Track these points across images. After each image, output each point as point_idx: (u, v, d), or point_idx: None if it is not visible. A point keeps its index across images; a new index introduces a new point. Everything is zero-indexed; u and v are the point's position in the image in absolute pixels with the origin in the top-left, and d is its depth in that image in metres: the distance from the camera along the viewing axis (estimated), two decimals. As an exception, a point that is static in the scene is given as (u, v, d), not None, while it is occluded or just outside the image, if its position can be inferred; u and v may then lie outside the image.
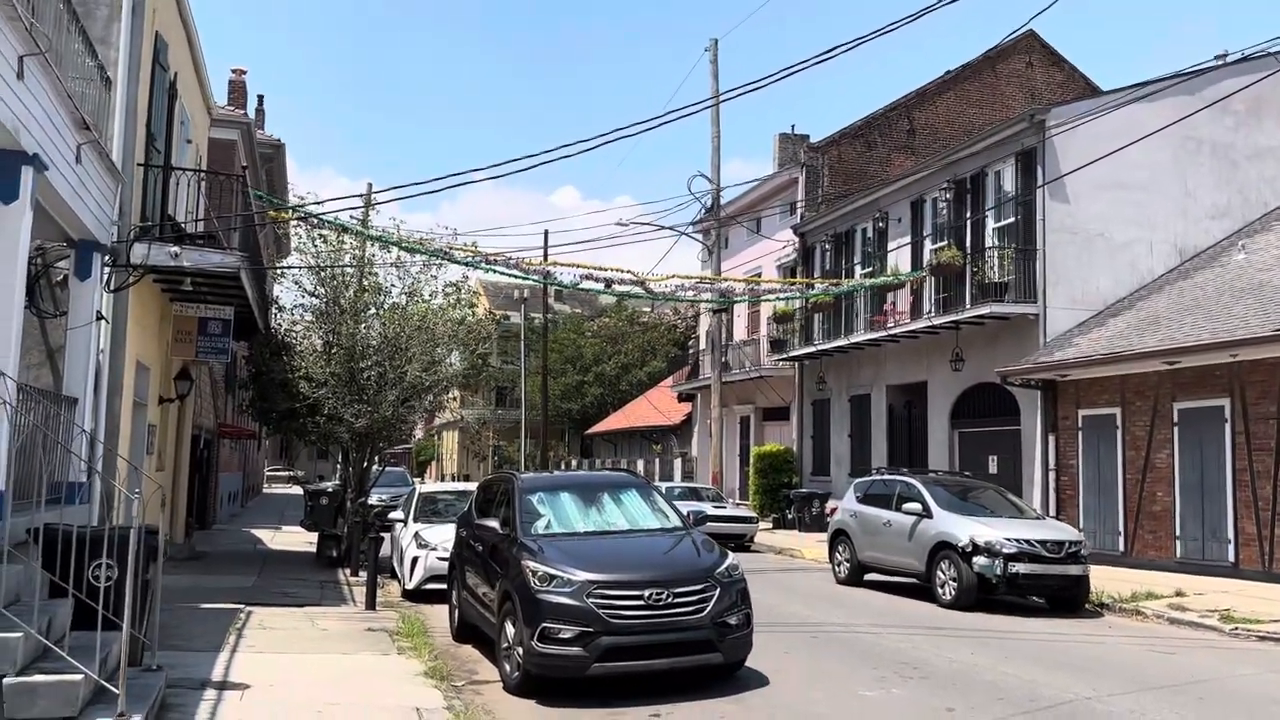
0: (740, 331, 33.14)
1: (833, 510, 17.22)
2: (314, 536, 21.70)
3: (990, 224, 21.46)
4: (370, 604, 11.99)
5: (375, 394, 16.49)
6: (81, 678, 5.26)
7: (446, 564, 13.15)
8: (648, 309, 63.68)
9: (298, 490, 43.52)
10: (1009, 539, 12.91)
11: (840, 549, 16.00)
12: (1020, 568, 12.78)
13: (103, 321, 10.59)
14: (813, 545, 21.25)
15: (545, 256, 40.06)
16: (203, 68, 16.17)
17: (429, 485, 16.89)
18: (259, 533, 23.62)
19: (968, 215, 21.98)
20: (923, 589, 14.05)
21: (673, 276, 18.47)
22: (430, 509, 15.29)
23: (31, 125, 7.34)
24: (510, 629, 8.27)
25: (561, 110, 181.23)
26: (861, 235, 26.29)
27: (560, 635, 7.73)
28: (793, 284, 21.99)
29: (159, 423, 14.67)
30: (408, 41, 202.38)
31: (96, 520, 11.09)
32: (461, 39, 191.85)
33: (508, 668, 8.30)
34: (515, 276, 14.11)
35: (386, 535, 16.11)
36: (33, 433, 8.16)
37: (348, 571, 15.81)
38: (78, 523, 9.21)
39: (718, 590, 8.06)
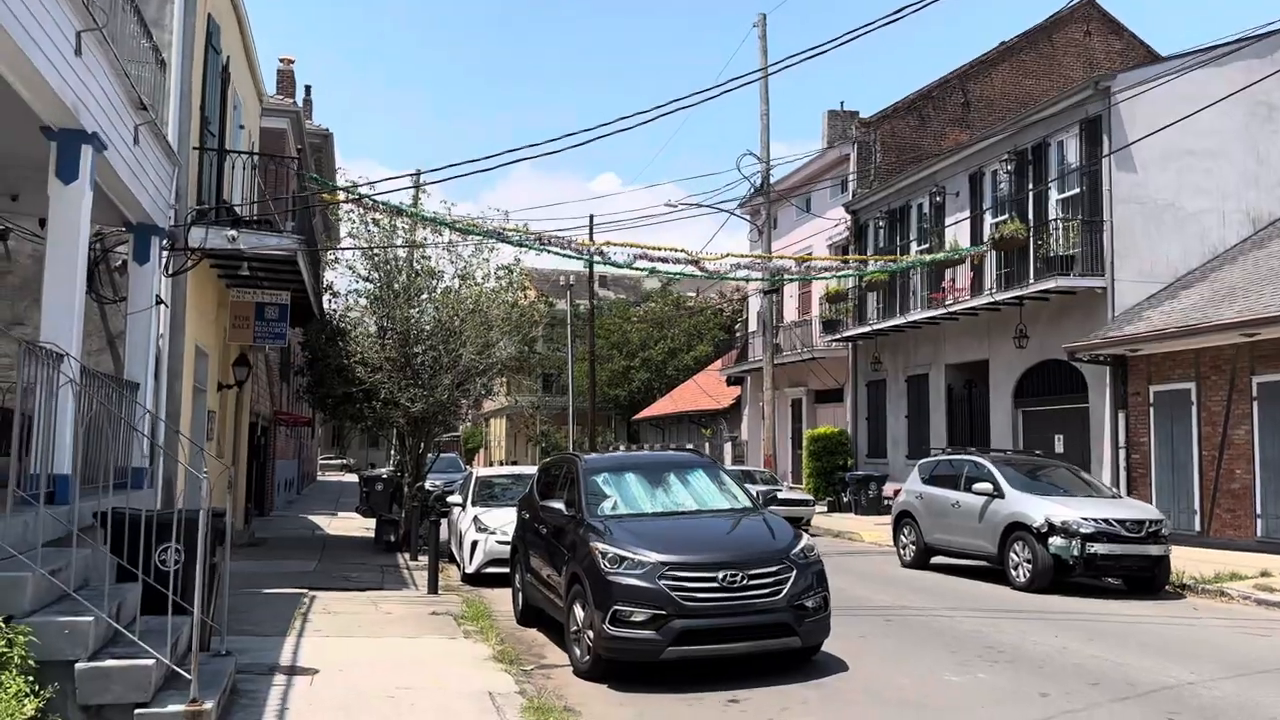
0: (791, 312, 32.68)
1: (895, 492, 16.82)
2: (371, 522, 21.79)
3: (1054, 195, 20.81)
4: (432, 588, 11.88)
5: (430, 378, 16.41)
6: (153, 662, 5.12)
7: (506, 548, 13.04)
8: (693, 294, 63.50)
9: (351, 478, 43.90)
10: (1086, 518, 12.45)
11: (905, 531, 15.61)
12: (1099, 548, 12.32)
13: (162, 306, 10.54)
14: (871, 528, 20.86)
15: (591, 238, 39.85)
16: (254, 52, 16.13)
17: (485, 469, 16.79)
18: (316, 518, 23.77)
19: (1030, 187, 21.34)
20: (993, 571, 13.64)
21: (727, 255, 18.15)
22: (487, 493, 15.17)
23: (90, 103, 7.22)
24: (579, 612, 8.06)
25: (603, 109, 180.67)
26: (917, 211, 25.70)
27: (632, 618, 7.50)
28: (850, 261, 21.51)
29: (218, 409, 14.70)
30: (447, 34, 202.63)
31: (161, 505, 11.09)
32: (497, 31, 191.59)
33: (577, 651, 8.09)
34: (567, 256, 13.92)
35: (443, 520, 16.05)
36: (97, 416, 8.10)
37: (406, 556, 15.76)
38: (143, 507, 9.18)
39: (794, 572, 7.77)
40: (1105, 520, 12.47)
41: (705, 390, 44.71)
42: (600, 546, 7.92)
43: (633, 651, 7.54)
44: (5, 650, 4.63)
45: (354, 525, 22.08)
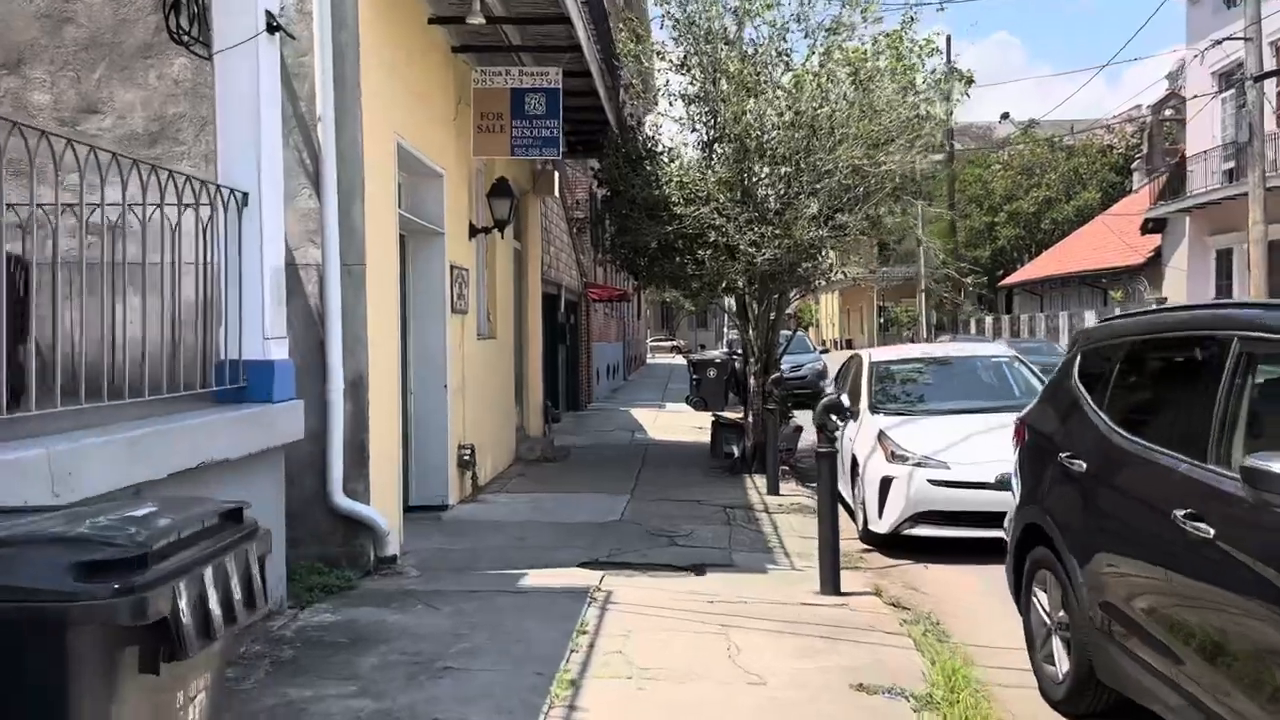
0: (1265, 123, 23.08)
1: None
2: (703, 419, 16.67)
3: None
4: (830, 583, 6.08)
5: (783, 210, 10.50)
6: None
7: (946, 492, 7.43)
8: (1066, 134, 52.71)
9: (681, 360, 39.64)
10: None
11: None
12: None
13: (279, 35, 5.27)
14: None
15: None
16: None
17: (881, 351, 10.70)
18: (639, 414, 19.03)
19: None
20: None
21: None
22: (890, 391, 9.14)
23: None
24: None
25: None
26: None
27: None
28: None
29: (475, 267, 9.71)
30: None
31: (348, 435, 6.16)
32: None
33: None
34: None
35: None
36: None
37: (760, 485, 10.21)
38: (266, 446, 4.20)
39: None
40: None
41: (1115, 240, 35.27)
42: None
43: None
44: None
45: (683, 423, 17.02)
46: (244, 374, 5.05)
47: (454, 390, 8.59)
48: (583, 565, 6.69)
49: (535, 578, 6.28)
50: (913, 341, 49.88)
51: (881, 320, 70.34)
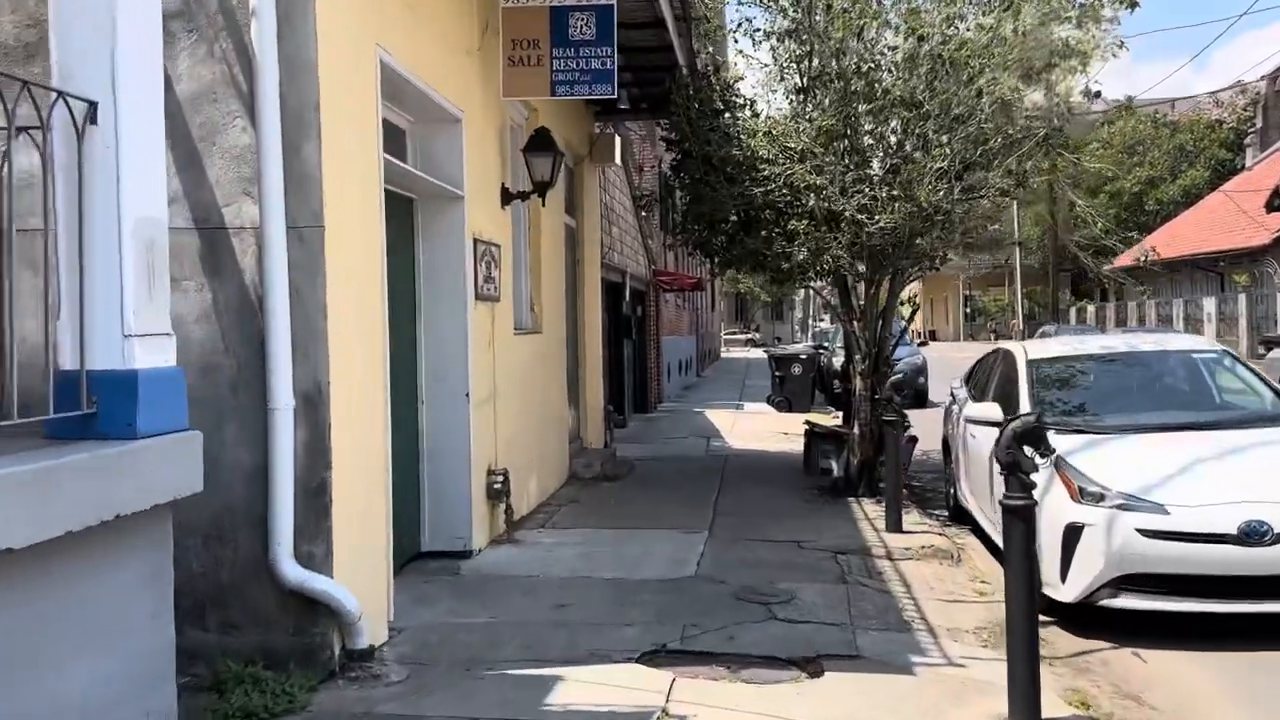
0: None
1: None
2: (788, 423, 14.57)
3: None
4: (1027, 711, 3.92)
5: (899, 168, 8.31)
6: None
7: (1156, 546, 5.28)
8: (1168, 110, 49.19)
9: (758, 354, 37.48)
10: None
11: None
12: None
13: None
14: None
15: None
16: None
17: (1040, 345, 8.35)
18: (714, 416, 16.92)
19: None
20: None
21: None
22: (1051, 401, 6.84)
23: None
24: None
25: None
26: None
27: None
28: None
29: (511, 243, 7.71)
30: None
31: (302, 480, 4.20)
32: None
33: None
34: None
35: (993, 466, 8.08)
36: None
37: (873, 515, 8.03)
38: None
39: None
40: None
41: (1229, 220, 31.97)
42: None
43: None
44: None
45: (766, 428, 14.92)
46: (90, 393, 3.11)
47: (480, 400, 6.61)
48: (644, 657, 4.66)
49: (573, 688, 4.24)
50: (996, 335, 46.68)
51: (968, 310, 66.85)
